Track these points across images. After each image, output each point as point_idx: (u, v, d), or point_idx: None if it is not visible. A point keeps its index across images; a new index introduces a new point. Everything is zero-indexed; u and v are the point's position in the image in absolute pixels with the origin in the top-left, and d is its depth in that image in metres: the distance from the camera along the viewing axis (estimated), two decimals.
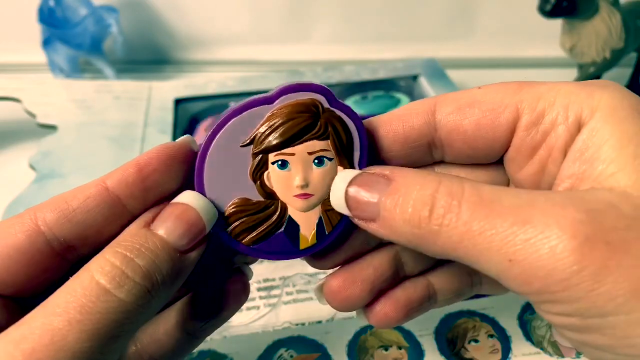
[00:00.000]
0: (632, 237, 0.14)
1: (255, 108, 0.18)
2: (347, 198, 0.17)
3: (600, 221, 0.14)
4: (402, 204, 0.16)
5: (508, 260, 0.14)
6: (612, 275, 0.14)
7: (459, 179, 0.16)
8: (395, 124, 0.19)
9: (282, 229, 0.19)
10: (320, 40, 0.59)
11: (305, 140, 0.18)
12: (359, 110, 0.46)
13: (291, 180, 0.18)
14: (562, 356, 0.27)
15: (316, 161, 0.18)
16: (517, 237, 0.14)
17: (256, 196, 0.18)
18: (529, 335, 0.28)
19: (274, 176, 0.18)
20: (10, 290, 0.17)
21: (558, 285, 0.14)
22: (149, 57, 0.58)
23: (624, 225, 0.14)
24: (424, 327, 0.28)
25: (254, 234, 0.19)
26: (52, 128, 0.43)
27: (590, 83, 0.17)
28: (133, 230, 0.16)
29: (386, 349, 0.27)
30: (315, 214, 0.19)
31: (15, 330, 0.14)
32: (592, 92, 0.17)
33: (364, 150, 0.19)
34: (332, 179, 0.18)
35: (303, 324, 0.30)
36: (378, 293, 0.20)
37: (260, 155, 0.18)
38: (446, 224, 0.15)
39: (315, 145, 0.18)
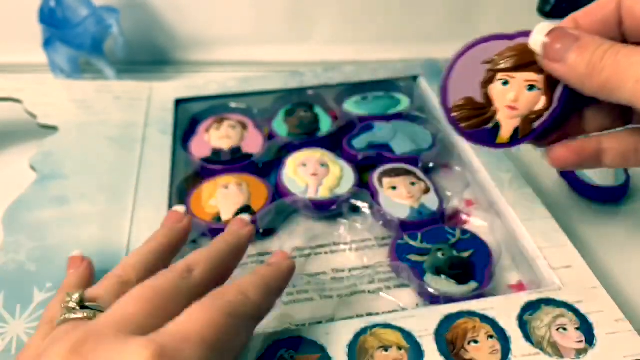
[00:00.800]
0: None
1: (500, 40, 0.27)
2: (543, 42, 0.25)
3: None
4: (582, 52, 0.24)
5: (636, 81, 0.22)
6: None
7: (621, 45, 0.24)
8: (593, 14, 0.27)
9: (489, 125, 0.27)
10: (321, 40, 0.60)
11: (527, 71, 0.26)
12: (359, 111, 0.46)
13: (507, 94, 0.27)
14: (562, 357, 0.27)
15: (528, 87, 0.27)
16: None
17: (480, 99, 0.27)
18: (528, 336, 0.28)
19: (496, 89, 0.27)
20: None
21: None
22: (149, 57, 0.59)
23: None
24: (423, 328, 0.28)
25: (470, 122, 0.28)
26: (52, 129, 0.43)
27: None
28: None
29: (386, 350, 0.27)
30: (515, 122, 0.27)
31: None
32: None
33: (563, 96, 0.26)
34: (536, 103, 0.27)
35: (303, 325, 0.31)
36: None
37: (493, 73, 0.27)
38: (608, 64, 0.23)
39: (531, 76, 0.26)
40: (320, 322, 0.31)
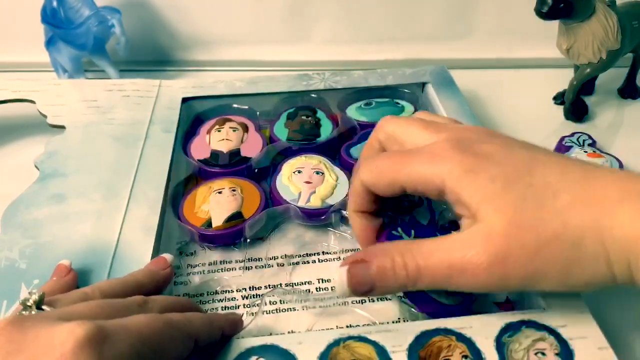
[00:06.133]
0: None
1: None
2: (350, 285, 0.28)
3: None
4: (386, 275, 0.27)
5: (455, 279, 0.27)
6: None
7: (408, 247, 0.28)
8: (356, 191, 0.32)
9: None
10: (325, 40, 0.61)
11: None
12: (361, 117, 0.47)
13: None
14: None
15: None
16: (453, 268, 0.27)
17: None
18: (505, 359, 0.28)
19: None
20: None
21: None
22: (151, 57, 0.61)
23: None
24: (398, 343, 0.28)
25: None
26: (61, 128, 0.45)
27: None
28: None
29: None
30: None
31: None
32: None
33: None
34: None
35: (278, 334, 0.31)
36: None
37: None
38: (417, 277, 0.27)
39: None
40: (297, 332, 0.31)
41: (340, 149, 0.44)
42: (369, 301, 0.34)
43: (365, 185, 0.31)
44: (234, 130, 0.45)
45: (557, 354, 0.28)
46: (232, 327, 0.29)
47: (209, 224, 0.37)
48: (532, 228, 0.25)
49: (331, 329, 0.30)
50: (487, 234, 0.26)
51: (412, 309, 0.32)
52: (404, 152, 0.31)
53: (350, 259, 0.28)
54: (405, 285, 0.27)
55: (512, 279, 0.26)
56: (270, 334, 0.32)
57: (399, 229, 0.33)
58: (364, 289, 0.28)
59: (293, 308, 0.34)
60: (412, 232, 0.34)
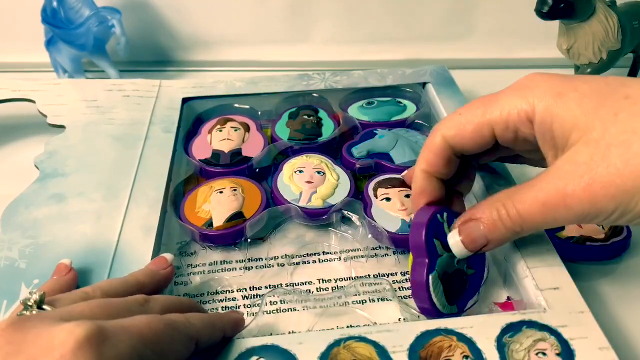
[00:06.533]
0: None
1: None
2: (466, 246, 0.30)
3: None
4: (495, 226, 0.29)
5: (566, 208, 0.26)
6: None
7: (508, 195, 0.29)
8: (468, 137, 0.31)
9: None
10: (325, 40, 0.61)
11: None
12: (363, 117, 0.47)
13: None
14: None
15: None
16: (548, 203, 0.27)
17: None
18: (505, 359, 0.28)
19: None
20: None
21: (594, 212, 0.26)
22: (151, 57, 0.61)
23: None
24: (398, 344, 0.28)
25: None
26: (61, 128, 0.45)
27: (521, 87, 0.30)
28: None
29: None
30: None
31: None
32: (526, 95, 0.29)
33: None
34: None
35: (279, 334, 0.31)
36: None
37: None
38: (521, 222, 0.28)
39: None
40: (297, 332, 0.31)
41: (341, 149, 0.44)
42: (370, 301, 0.34)
43: (446, 139, 0.31)
44: (235, 130, 0.45)
45: (558, 354, 0.28)
46: (234, 327, 0.29)
47: (209, 223, 0.37)
48: (621, 143, 0.25)
49: (332, 329, 0.31)
50: (573, 161, 0.26)
51: (413, 310, 0.32)
52: (489, 95, 0.30)
53: (459, 221, 0.30)
54: (515, 232, 0.28)
55: (601, 202, 0.25)
56: (271, 334, 0.32)
57: (445, 214, 0.32)
58: (479, 244, 0.29)
59: (294, 308, 0.34)
60: (454, 220, 0.32)
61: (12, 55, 0.59)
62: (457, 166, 0.33)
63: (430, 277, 0.31)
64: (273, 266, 0.37)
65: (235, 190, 0.39)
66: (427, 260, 0.31)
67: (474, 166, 0.35)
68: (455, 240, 0.30)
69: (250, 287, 0.35)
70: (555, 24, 0.48)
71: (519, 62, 0.61)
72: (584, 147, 0.26)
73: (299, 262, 0.37)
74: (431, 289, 0.31)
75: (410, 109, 0.48)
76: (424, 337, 0.29)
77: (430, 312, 0.31)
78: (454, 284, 0.32)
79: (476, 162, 0.35)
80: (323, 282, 0.35)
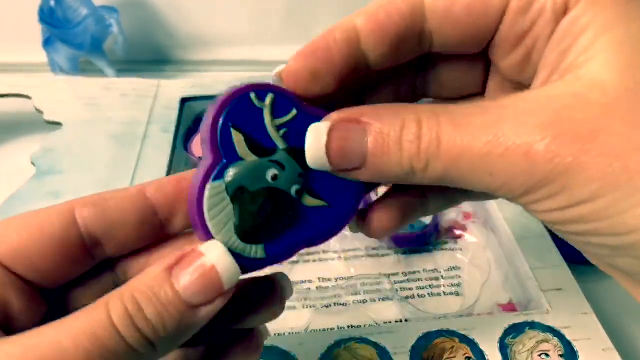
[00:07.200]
0: (600, 126, 0.15)
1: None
2: (329, 154, 0.18)
3: (568, 117, 0.15)
4: (388, 146, 0.17)
5: (489, 175, 0.16)
6: (583, 166, 0.15)
7: (432, 109, 0.17)
8: (380, 14, 0.19)
9: None
10: None
11: None
12: None
13: None
14: None
15: None
16: (491, 153, 0.16)
17: None
18: None
19: None
20: (36, 276, 0.18)
21: (537, 185, 0.16)
22: (149, 57, 0.61)
23: (592, 115, 0.15)
24: (400, 345, 0.28)
25: None
26: (57, 125, 0.45)
27: None
28: (154, 272, 0.17)
29: None
30: None
31: (28, 338, 0.16)
32: None
33: None
34: None
35: (278, 334, 0.31)
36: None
37: None
38: (432, 157, 0.17)
39: None
40: (296, 332, 0.31)
41: None
42: (370, 301, 0.34)
43: (358, 32, 0.19)
44: None
45: (560, 355, 0.28)
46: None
47: None
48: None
49: (332, 328, 0.30)
50: (586, 101, 0.16)
51: (414, 310, 0.32)
52: None
53: (338, 115, 0.18)
54: (410, 171, 0.17)
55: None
56: (271, 334, 0.31)
57: (270, 96, 0.20)
58: (347, 163, 0.18)
59: (293, 306, 0.33)
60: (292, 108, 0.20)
61: (9, 55, 0.59)
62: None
63: (207, 186, 0.18)
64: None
65: None
66: (210, 161, 0.19)
67: None
68: (317, 138, 0.18)
69: None
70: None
71: None
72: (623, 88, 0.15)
73: (298, 261, 0.36)
74: (205, 206, 0.18)
75: None
76: (426, 338, 0.29)
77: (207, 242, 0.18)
78: (265, 210, 0.19)
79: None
80: (323, 281, 0.35)
